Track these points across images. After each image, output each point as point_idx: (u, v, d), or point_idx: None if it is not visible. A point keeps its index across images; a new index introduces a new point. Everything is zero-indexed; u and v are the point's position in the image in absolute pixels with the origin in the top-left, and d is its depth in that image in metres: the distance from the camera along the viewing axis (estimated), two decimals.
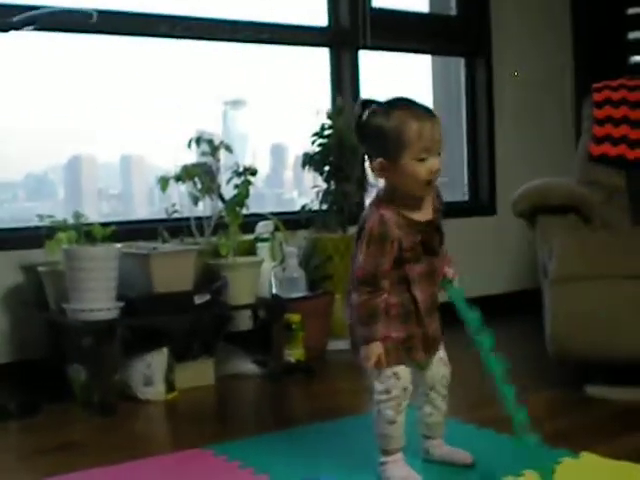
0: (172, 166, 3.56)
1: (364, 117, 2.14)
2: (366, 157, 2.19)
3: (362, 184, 4.19)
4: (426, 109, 2.14)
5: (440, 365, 2.32)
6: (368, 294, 2.14)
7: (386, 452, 2.22)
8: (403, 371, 2.18)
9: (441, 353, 2.33)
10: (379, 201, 2.18)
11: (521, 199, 3.35)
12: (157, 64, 4.10)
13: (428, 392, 2.32)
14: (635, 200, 3.69)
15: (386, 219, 2.12)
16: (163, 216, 3.64)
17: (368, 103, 2.16)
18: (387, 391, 2.17)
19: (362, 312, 2.15)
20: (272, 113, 4.49)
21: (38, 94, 3.81)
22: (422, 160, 2.09)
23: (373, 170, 2.17)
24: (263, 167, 4.06)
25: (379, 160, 2.13)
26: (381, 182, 2.21)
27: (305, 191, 4.58)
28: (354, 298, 2.16)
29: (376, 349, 2.14)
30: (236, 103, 4.54)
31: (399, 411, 2.18)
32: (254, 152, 3.81)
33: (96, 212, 4.06)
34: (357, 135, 2.19)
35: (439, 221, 2.24)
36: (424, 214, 2.19)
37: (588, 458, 2.36)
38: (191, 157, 3.67)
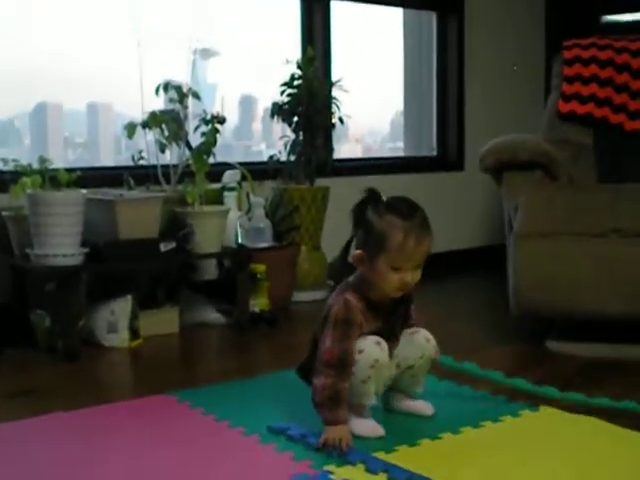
0: (139, 114, 3.52)
1: (366, 209, 2.16)
2: (353, 240, 2.21)
3: (330, 135, 4.18)
4: (422, 223, 2.14)
5: (415, 334, 2.31)
6: (333, 377, 2.13)
7: (355, 406, 2.22)
8: (369, 346, 2.17)
9: (424, 333, 2.32)
10: (346, 287, 2.21)
11: (488, 154, 3.36)
12: (127, 10, 4.03)
13: (419, 361, 2.31)
14: (601, 158, 3.72)
15: (351, 304, 2.15)
16: (129, 163, 3.61)
17: (374, 194, 2.17)
18: (359, 350, 2.15)
19: (325, 395, 2.13)
20: (242, 63, 4.44)
21: (2, 38, 3.74)
22: (397, 269, 2.11)
23: (352, 257, 2.19)
24: (232, 119, 4.03)
25: (359, 251, 2.16)
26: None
27: (273, 144, 4.56)
28: (318, 380, 2.14)
29: (340, 432, 2.11)
30: (205, 52, 4.49)
31: (376, 367, 2.16)
32: (223, 103, 3.78)
33: (62, 160, 4.01)
34: (353, 220, 2.19)
35: (405, 307, 2.28)
36: (388, 300, 2.21)
37: (547, 412, 2.39)
38: (159, 105, 3.63)
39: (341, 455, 2.04)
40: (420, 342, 2.31)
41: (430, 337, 2.33)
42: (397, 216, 2.12)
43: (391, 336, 2.24)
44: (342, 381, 2.13)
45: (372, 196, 2.17)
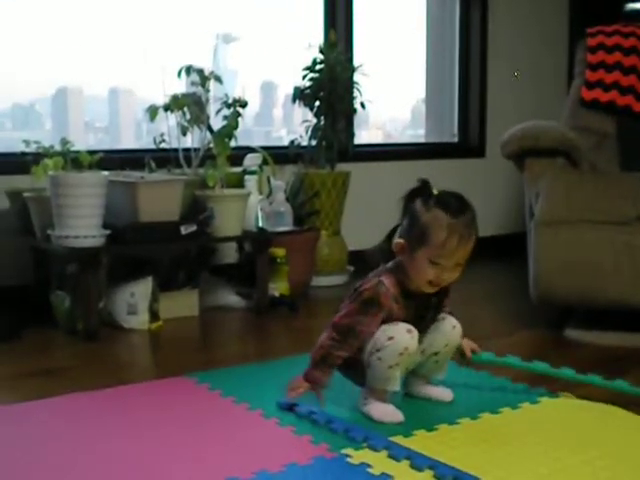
0: (161, 100, 3.53)
1: (415, 199, 2.15)
2: (397, 232, 2.20)
3: (351, 120, 4.17)
4: (469, 224, 2.13)
5: (442, 321, 2.31)
6: (333, 341, 2.16)
7: (378, 391, 2.22)
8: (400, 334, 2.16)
9: (451, 320, 2.32)
10: (384, 270, 2.21)
11: (511, 141, 3.34)
12: None
13: (444, 349, 2.31)
14: (624, 146, 3.69)
15: (383, 288, 2.15)
16: (151, 147, 3.62)
17: (426, 185, 2.15)
18: (390, 337, 2.15)
19: (319, 353, 2.17)
20: (264, 49, 4.44)
21: (26, 24, 3.75)
22: (435, 265, 2.11)
23: (394, 244, 2.19)
24: (252, 104, 4.03)
25: (401, 239, 2.16)
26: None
27: (294, 129, 4.56)
28: (321, 337, 2.19)
29: (305, 385, 2.18)
30: (227, 38, 4.49)
31: (405, 354, 2.15)
32: (244, 88, 3.77)
33: (83, 144, 4.03)
34: (401, 209, 2.19)
35: (439, 299, 2.27)
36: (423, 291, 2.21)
37: (565, 399, 2.39)
38: (180, 89, 3.63)
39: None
40: (446, 330, 2.30)
41: (456, 324, 2.32)
42: (445, 212, 2.10)
43: (421, 326, 2.24)
44: (340, 349, 2.16)
45: (423, 187, 2.15)
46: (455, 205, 2.12)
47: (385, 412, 2.21)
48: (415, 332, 2.17)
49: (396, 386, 2.21)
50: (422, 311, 2.24)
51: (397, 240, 2.18)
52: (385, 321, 2.18)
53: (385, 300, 2.15)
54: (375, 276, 2.20)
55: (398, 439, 2.05)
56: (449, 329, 2.31)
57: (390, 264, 2.22)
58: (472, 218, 2.15)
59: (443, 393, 2.38)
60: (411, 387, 2.39)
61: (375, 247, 2.27)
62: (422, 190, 2.15)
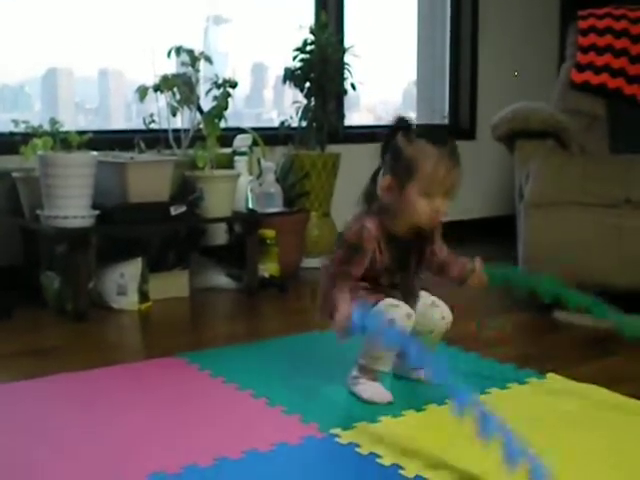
0: (151, 82, 3.51)
1: (395, 137, 2.14)
2: (381, 172, 2.18)
3: (342, 101, 4.17)
4: (453, 151, 2.12)
5: (434, 309, 2.31)
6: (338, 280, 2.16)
7: (367, 370, 2.23)
8: (399, 302, 2.17)
9: (431, 298, 2.33)
10: (367, 213, 2.19)
11: (501, 122, 3.35)
12: None
13: (428, 334, 2.31)
14: (614, 128, 3.70)
15: (366, 232, 2.13)
16: (140, 127, 3.61)
17: (405, 121, 2.15)
18: (391, 320, 2.12)
19: (321, 299, 2.21)
20: (254, 31, 4.42)
21: (15, 5, 3.73)
22: (427, 196, 2.09)
23: (381, 186, 2.16)
24: (243, 86, 4.02)
25: (388, 177, 2.14)
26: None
27: (284, 111, 4.55)
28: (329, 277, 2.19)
29: (337, 325, 2.14)
30: (218, 19, 4.48)
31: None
32: (234, 70, 3.76)
33: (73, 125, 4.01)
34: (381, 147, 2.18)
35: (422, 245, 2.26)
36: (408, 234, 2.20)
37: (553, 379, 2.40)
38: (170, 70, 3.62)
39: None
40: (435, 318, 2.30)
41: (447, 315, 2.32)
42: (428, 142, 2.09)
43: (406, 274, 2.23)
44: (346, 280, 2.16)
45: (402, 123, 2.14)
46: (437, 135, 2.14)
47: (375, 392, 2.21)
48: (413, 316, 2.17)
49: (387, 366, 2.22)
50: (405, 256, 2.22)
51: (384, 179, 2.15)
52: (369, 267, 2.16)
53: (368, 244, 2.14)
54: (357, 220, 2.18)
55: (387, 419, 2.06)
56: (438, 318, 2.31)
57: (373, 207, 2.20)
58: (455, 147, 2.14)
59: (421, 372, 2.37)
60: (401, 368, 2.39)
61: (363, 191, 2.25)
62: (401, 126, 2.14)
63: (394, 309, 2.15)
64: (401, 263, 2.22)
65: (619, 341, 2.84)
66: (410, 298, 2.25)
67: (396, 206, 2.14)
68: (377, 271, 2.19)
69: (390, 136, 2.15)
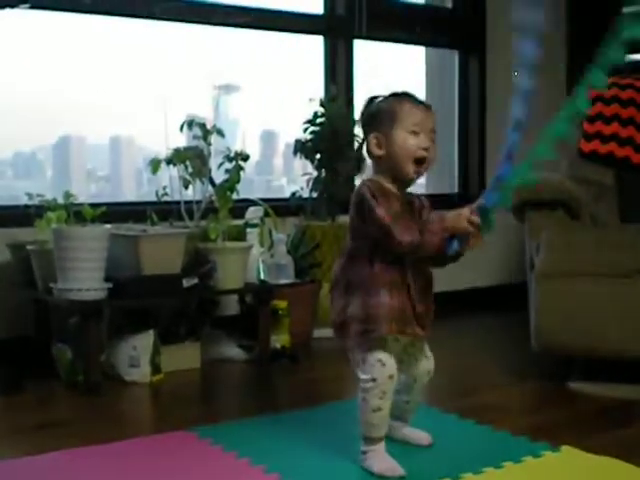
0: (162, 148, 3.56)
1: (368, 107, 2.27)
2: (365, 144, 2.26)
3: (353, 176, 4.20)
4: (424, 103, 2.24)
5: (425, 360, 2.35)
6: (402, 228, 2.11)
7: (369, 440, 2.23)
8: (388, 359, 2.18)
9: (426, 350, 2.36)
10: (365, 178, 2.27)
11: None
12: (150, 46, 4.09)
13: (412, 384, 2.36)
14: (623, 198, 3.71)
15: (366, 185, 2.17)
16: (152, 199, 3.64)
17: (376, 95, 2.28)
18: (373, 379, 2.18)
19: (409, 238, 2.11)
20: (264, 99, 4.48)
21: (28, 73, 3.79)
22: (414, 134, 2.17)
23: (368, 148, 2.23)
24: (253, 153, 4.05)
25: (374, 134, 2.21)
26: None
27: (294, 178, 4.59)
28: (407, 237, 2.10)
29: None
30: (228, 88, 4.53)
31: (385, 399, 2.19)
32: (244, 138, 3.81)
33: (84, 193, 4.06)
34: (360, 123, 2.29)
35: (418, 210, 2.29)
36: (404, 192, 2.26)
37: (568, 452, 2.38)
38: (182, 140, 3.67)
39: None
40: (422, 369, 2.34)
41: (432, 369, 2.36)
42: (400, 96, 2.23)
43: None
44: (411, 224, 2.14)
45: (375, 96, 2.28)
46: (403, 93, 2.25)
47: (386, 467, 2.20)
48: (395, 377, 2.19)
49: (384, 431, 2.24)
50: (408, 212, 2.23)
51: (370, 139, 2.21)
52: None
53: (371, 190, 2.15)
54: (358, 185, 2.23)
55: None
56: (424, 371, 2.35)
57: (368, 174, 2.30)
58: (420, 100, 2.25)
59: (420, 437, 2.41)
60: (390, 429, 2.35)
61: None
62: (374, 97, 2.28)
63: (380, 367, 2.17)
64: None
65: (635, 411, 2.84)
66: (420, 277, 2.23)
67: (387, 156, 2.20)
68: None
69: (368, 103, 2.28)
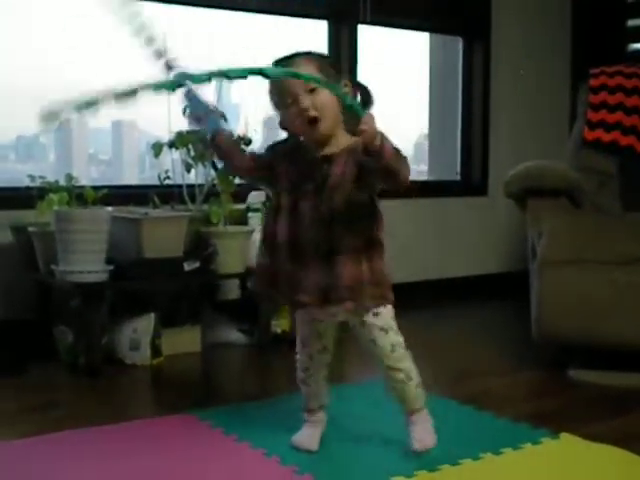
0: (163, 133, 3.54)
1: None
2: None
3: None
4: (287, 60, 2.31)
5: (370, 331, 2.15)
6: None
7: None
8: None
9: (370, 318, 2.13)
10: None
11: (514, 180, 3.36)
12: (153, 29, 4.06)
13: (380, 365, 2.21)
14: (626, 187, 3.71)
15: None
16: (154, 182, 3.64)
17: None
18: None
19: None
20: (266, 84, 4.45)
21: (29, 56, 3.78)
22: (289, 105, 2.27)
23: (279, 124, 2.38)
24: (255, 138, 4.04)
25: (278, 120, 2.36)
26: None
27: None
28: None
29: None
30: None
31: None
32: (246, 123, 3.79)
33: (86, 177, 4.05)
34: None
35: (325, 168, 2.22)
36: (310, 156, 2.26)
37: (567, 439, 2.38)
38: (184, 124, 3.65)
39: None
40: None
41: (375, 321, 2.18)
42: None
43: (307, 191, 2.19)
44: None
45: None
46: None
47: (301, 437, 2.29)
48: None
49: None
50: (309, 170, 2.23)
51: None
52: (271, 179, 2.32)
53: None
54: None
55: (399, 479, 2.05)
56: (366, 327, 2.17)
57: None
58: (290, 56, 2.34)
59: (418, 439, 2.22)
60: None
61: None
62: None
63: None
64: (303, 178, 2.22)
65: (634, 399, 2.84)
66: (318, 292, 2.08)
67: (289, 131, 2.38)
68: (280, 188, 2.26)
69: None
